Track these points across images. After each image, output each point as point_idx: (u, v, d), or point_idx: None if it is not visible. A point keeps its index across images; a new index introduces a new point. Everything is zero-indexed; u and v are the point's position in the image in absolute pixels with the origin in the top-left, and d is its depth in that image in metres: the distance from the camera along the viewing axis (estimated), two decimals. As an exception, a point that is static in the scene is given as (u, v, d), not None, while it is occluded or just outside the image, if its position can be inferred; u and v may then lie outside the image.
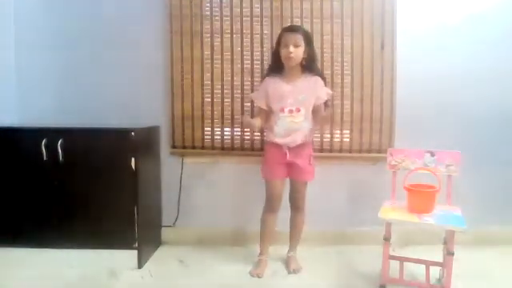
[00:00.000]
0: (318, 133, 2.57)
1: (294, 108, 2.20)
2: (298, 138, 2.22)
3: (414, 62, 2.58)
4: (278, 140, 2.23)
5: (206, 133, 2.66)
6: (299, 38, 2.15)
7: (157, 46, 2.62)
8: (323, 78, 2.29)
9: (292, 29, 2.24)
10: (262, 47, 2.59)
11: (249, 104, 2.61)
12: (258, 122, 2.26)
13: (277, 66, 2.27)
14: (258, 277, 2.22)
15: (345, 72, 2.59)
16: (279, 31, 2.29)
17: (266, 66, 2.53)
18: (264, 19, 2.58)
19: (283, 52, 2.17)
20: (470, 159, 2.34)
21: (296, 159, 2.24)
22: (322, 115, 2.26)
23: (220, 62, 2.61)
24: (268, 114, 2.30)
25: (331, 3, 2.55)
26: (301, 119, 2.21)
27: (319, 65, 2.43)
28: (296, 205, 2.35)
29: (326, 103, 2.31)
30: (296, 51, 2.15)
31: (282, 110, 2.21)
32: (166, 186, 2.70)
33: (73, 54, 2.65)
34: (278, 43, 2.22)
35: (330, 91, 2.31)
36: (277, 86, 2.24)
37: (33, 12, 2.65)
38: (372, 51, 2.57)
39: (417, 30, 2.58)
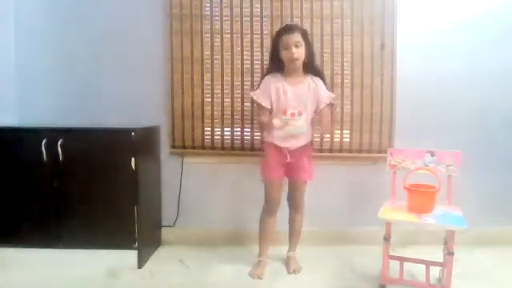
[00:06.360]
0: (318, 133, 2.55)
1: (297, 112, 2.17)
2: (298, 143, 2.21)
3: (414, 62, 2.58)
4: (279, 143, 2.22)
5: (206, 133, 2.65)
6: (299, 38, 2.12)
7: (157, 45, 2.62)
8: (324, 80, 2.26)
9: (290, 29, 2.15)
10: (262, 47, 2.58)
11: (249, 104, 2.61)
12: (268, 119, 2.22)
13: (276, 68, 2.22)
14: (259, 278, 2.22)
15: (345, 72, 2.59)
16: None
17: (265, 67, 2.52)
18: (264, 19, 2.58)
19: (285, 55, 2.12)
20: (471, 159, 2.34)
21: (296, 159, 2.23)
22: (325, 122, 2.23)
23: (220, 62, 2.61)
24: (271, 114, 2.25)
25: (331, 3, 2.55)
26: (302, 123, 2.18)
27: (319, 64, 2.42)
28: (295, 204, 2.35)
29: (329, 106, 2.27)
30: (298, 51, 2.11)
31: (284, 113, 2.17)
32: (165, 186, 2.70)
33: (73, 54, 2.65)
34: (275, 45, 2.17)
35: (332, 95, 2.27)
36: (279, 86, 2.19)
37: (33, 13, 2.65)
38: (372, 51, 2.57)
39: (417, 31, 2.58)
